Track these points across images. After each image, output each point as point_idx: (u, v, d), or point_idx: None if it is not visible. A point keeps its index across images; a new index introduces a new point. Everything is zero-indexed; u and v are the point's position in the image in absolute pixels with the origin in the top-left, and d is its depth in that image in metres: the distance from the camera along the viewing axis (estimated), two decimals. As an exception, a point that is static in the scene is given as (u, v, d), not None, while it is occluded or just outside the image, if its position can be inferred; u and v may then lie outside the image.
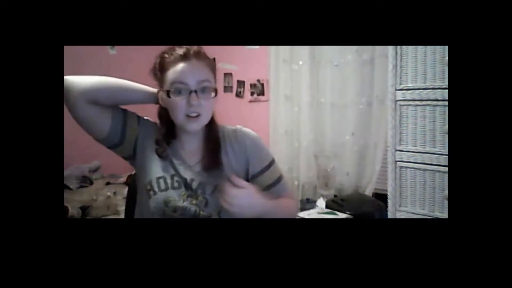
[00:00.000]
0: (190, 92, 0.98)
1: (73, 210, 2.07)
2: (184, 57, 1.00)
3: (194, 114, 0.99)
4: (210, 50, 1.06)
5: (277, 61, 2.51)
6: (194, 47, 1.03)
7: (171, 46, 1.03)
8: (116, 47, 2.89)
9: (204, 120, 1.02)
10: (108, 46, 2.87)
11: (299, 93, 2.45)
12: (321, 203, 1.97)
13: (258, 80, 2.72)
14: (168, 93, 0.99)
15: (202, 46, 1.06)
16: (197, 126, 1.02)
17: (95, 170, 2.59)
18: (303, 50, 2.38)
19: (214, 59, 1.12)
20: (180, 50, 1.01)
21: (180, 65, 1.00)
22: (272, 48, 2.52)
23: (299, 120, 2.46)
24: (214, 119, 1.09)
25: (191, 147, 1.07)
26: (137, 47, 2.84)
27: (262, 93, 2.72)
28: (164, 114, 1.06)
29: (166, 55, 1.02)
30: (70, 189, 2.44)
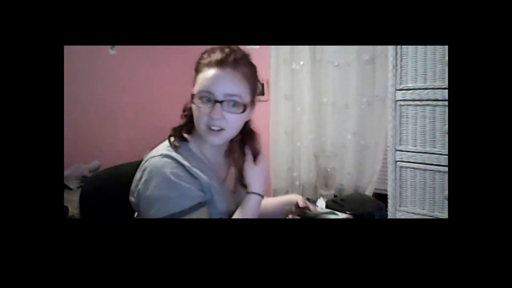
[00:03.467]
0: (215, 102, 0.92)
1: (73, 210, 2.06)
2: (220, 63, 0.93)
3: (216, 128, 0.93)
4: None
5: (278, 61, 2.50)
6: (237, 53, 0.96)
7: (215, 46, 0.97)
8: (116, 47, 2.89)
9: (228, 135, 0.97)
10: (108, 46, 2.87)
11: (299, 93, 2.45)
12: (321, 203, 1.96)
13: (259, 80, 2.72)
14: (192, 97, 0.94)
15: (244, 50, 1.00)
16: (219, 140, 0.96)
17: (95, 170, 2.59)
18: (304, 50, 2.38)
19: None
20: (218, 54, 0.94)
21: (212, 72, 0.92)
22: (273, 48, 2.52)
23: (299, 120, 2.46)
24: (254, 135, 1.06)
25: (217, 161, 1.04)
26: (137, 47, 2.84)
27: (262, 93, 2.72)
28: (190, 112, 1.00)
29: (205, 56, 0.96)
30: (70, 189, 2.44)
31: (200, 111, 0.93)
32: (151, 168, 0.92)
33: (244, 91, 0.96)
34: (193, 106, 0.95)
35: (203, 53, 0.98)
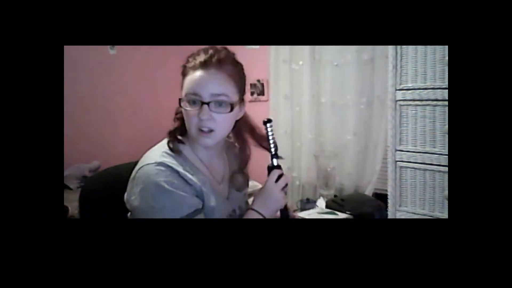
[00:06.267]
0: (202, 104, 0.92)
1: (73, 210, 2.06)
2: (204, 65, 0.93)
3: (206, 129, 0.93)
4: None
5: (277, 61, 2.50)
6: (221, 53, 0.96)
7: (200, 48, 0.97)
8: (116, 47, 2.89)
9: (218, 135, 0.96)
10: (108, 46, 2.87)
11: (299, 93, 2.45)
12: (321, 203, 1.96)
13: (258, 80, 2.73)
14: (180, 102, 0.95)
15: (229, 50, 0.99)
16: (211, 141, 0.96)
17: (95, 170, 2.59)
18: (303, 50, 2.38)
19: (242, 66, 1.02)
20: (202, 56, 0.95)
21: (197, 74, 0.93)
22: (272, 48, 2.52)
23: (299, 120, 2.46)
24: (245, 139, 1.07)
25: (213, 163, 1.04)
26: (137, 47, 2.84)
27: (262, 93, 2.73)
28: (182, 114, 1.00)
29: (190, 59, 0.97)
30: (70, 189, 2.44)
31: (189, 114, 0.94)
32: (145, 178, 0.92)
33: (230, 90, 0.96)
34: (182, 110, 0.96)
35: (189, 57, 0.98)
